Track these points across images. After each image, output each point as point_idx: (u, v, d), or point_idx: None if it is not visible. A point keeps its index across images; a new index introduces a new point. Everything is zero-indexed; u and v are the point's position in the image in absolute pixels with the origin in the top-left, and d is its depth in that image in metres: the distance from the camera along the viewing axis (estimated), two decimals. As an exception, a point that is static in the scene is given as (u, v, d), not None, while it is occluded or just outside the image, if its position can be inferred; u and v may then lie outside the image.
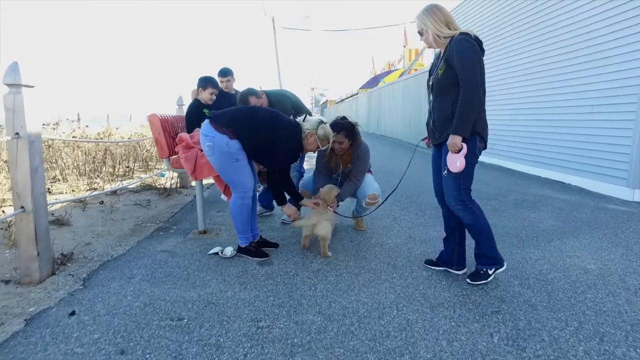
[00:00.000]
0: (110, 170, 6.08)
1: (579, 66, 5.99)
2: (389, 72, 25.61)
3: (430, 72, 2.52)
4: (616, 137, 5.30)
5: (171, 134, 3.41)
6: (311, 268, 2.78)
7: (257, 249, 3.01)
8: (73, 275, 2.60)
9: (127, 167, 6.33)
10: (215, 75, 4.42)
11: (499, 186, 5.88)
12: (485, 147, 2.43)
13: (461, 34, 2.27)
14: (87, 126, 7.08)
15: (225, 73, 4.53)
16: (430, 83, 2.45)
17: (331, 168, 3.43)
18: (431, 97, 2.48)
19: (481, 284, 2.47)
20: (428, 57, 21.90)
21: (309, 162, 5.77)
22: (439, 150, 2.54)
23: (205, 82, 3.66)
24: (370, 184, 3.44)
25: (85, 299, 2.29)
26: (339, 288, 2.47)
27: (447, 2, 10.86)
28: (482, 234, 2.45)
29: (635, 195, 5.06)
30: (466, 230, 2.59)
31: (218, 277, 2.63)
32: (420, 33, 2.41)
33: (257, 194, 3.83)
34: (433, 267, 2.77)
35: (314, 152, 3.06)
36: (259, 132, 2.74)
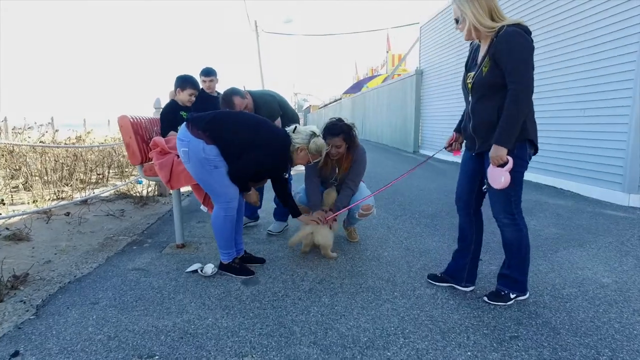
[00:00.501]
0: (82, 177, 5.67)
1: (572, 69, 5.88)
2: (372, 77, 25.57)
3: (467, 67, 2.22)
4: (610, 142, 5.18)
5: (144, 138, 3.07)
6: (302, 287, 2.48)
7: (242, 265, 2.70)
8: (25, 302, 2.24)
9: (99, 174, 5.92)
10: (196, 75, 4.12)
11: (492, 192, 5.69)
12: (536, 153, 2.13)
13: (512, 25, 1.94)
14: (57, 130, 6.62)
15: (208, 72, 4.22)
16: (470, 82, 2.14)
17: (326, 175, 3.15)
18: (470, 98, 2.16)
19: (498, 305, 2.21)
20: (411, 63, 21.95)
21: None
22: (479, 156, 2.24)
23: (184, 82, 3.33)
24: (364, 193, 3.17)
25: (35, 332, 1.94)
26: (335, 311, 2.18)
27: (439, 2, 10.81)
28: (519, 254, 2.19)
29: (631, 200, 4.93)
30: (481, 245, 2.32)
31: (197, 300, 2.31)
32: (457, 20, 2.09)
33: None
34: (437, 283, 2.51)
35: (304, 165, 2.77)
36: (240, 137, 2.45)
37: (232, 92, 3.28)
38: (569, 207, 4.74)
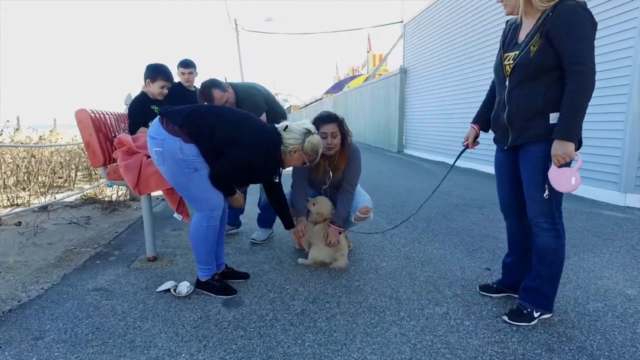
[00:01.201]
0: (43, 180, 5.15)
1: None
2: (353, 77, 25.41)
3: (504, 47, 1.92)
4: (606, 140, 5.01)
5: (108, 135, 2.66)
6: (294, 308, 2.13)
7: (222, 283, 2.33)
8: (-49, 339, 1.82)
9: (60, 177, 5.39)
10: (172, 66, 3.74)
11: (485, 192, 5.47)
12: (580, 147, 1.84)
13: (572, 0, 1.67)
14: (17, 129, 6.06)
15: (187, 64, 3.84)
16: (509, 63, 1.84)
17: (317, 179, 2.80)
18: (507, 82, 1.87)
19: (521, 325, 1.92)
20: (392, 63, 21.79)
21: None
22: (512, 153, 1.97)
23: (155, 72, 2.92)
24: (361, 195, 2.84)
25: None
26: (333, 339, 1.84)
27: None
28: (552, 265, 1.90)
29: (628, 200, 4.78)
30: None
31: (168, 328, 1.93)
32: None
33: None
34: (492, 295, 2.25)
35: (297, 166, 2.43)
36: (222, 135, 2.08)
37: (212, 84, 2.90)
38: (566, 208, 4.52)
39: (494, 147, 2.11)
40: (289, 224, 2.58)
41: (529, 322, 1.91)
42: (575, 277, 2.54)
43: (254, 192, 3.41)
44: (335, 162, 2.70)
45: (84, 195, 4.84)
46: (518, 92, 1.82)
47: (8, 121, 5.84)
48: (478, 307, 2.14)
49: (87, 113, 2.47)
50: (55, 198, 4.50)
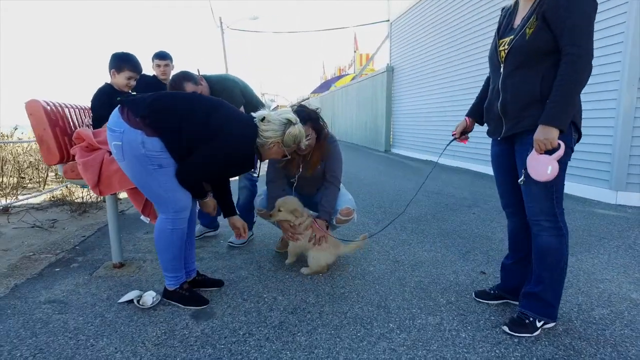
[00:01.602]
0: (9, 181, 4.82)
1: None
2: (340, 77, 25.25)
3: (500, 33, 1.78)
4: (597, 137, 4.90)
5: (67, 130, 2.40)
6: (271, 320, 1.91)
7: (192, 292, 2.09)
8: None
9: (23, 177, 5.06)
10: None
11: (474, 191, 5.32)
12: (579, 139, 1.71)
13: None
14: None
15: (163, 56, 3.59)
16: (504, 49, 1.69)
17: (289, 174, 2.60)
18: (501, 69, 1.72)
19: (523, 337, 1.73)
20: (378, 63, 21.68)
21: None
22: (507, 145, 1.81)
23: (121, 61, 2.66)
24: (343, 195, 2.64)
25: None
26: (314, 356, 1.62)
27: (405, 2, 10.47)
28: (555, 268, 1.72)
29: (619, 198, 4.67)
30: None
31: (126, 347, 1.69)
32: None
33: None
34: (489, 302, 2.06)
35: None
36: (191, 125, 1.84)
37: (183, 77, 2.64)
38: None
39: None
40: (227, 211, 2.25)
41: (532, 333, 1.73)
42: (575, 280, 2.37)
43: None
44: (310, 157, 2.50)
45: (52, 197, 4.53)
46: (513, 80, 1.68)
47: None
48: (474, 316, 1.94)
49: (39, 104, 2.20)
50: (17, 199, 4.18)
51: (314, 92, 27.59)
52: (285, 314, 1.97)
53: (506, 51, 1.68)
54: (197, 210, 3.19)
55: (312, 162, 2.52)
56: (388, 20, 12.23)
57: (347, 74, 25.10)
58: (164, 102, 1.89)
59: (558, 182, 1.63)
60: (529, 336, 1.73)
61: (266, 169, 2.63)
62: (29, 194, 4.61)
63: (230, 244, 3.02)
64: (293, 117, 1.99)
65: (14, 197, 4.21)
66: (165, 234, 1.96)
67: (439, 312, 1.98)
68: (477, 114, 2.01)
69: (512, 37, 1.67)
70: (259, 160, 2.08)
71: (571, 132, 1.62)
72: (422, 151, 9.58)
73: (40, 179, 5.59)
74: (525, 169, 1.62)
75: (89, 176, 2.18)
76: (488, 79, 1.95)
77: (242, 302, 2.11)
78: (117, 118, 1.85)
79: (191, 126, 1.84)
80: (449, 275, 2.46)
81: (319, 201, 2.56)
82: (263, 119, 1.95)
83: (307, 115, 2.39)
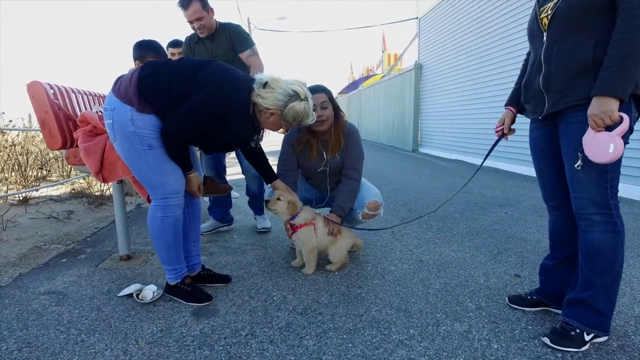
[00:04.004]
0: (34, 172, 4.87)
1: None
2: (367, 77, 24.94)
3: (539, 2, 1.54)
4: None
5: (70, 115, 2.30)
6: (277, 321, 1.73)
7: (194, 288, 1.93)
8: None
9: (41, 168, 5.08)
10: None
11: (505, 190, 4.98)
12: None
13: None
14: (3, 113, 5.79)
15: (177, 44, 3.51)
16: (548, 14, 1.45)
17: (311, 164, 2.40)
18: (544, 38, 1.48)
19: (569, 352, 1.47)
20: (407, 63, 21.22)
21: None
22: (549, 127, 1.58)
23: (143, 50, 2.47)
24: (369, 189, 2.42)
25: None
26: (323, 363, 1.43)
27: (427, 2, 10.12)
28: (609, 270, 1.46)
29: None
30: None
31: (117, 344, 1.54)
32: None
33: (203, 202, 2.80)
34: (526, 309, 1.81)
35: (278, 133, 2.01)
36: (179, 81, 1.68)
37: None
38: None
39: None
40: (270, 178, 2.18)
41: (579, 348, 1.47)
42: (629, 288, 2.07)
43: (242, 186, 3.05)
44: (331, 140, 2.31)
45: (72, 189, 4.53)
46: (560, 47, 1.42)
47: (3, 113, 5.60)
48: (508, 324, 1.70)
49: (41, 86, 2.11)
50: (37, 191, 4.19)
51: (341, 92, 27.36)
52: (294, 315, 1.78)
53: (550, 16, 1.43)
54: (210, 205, 3.08)
55: (333, 146, 2.32)
56: (417, 18, 11.89)
57: (375, 74, 24.76)
58: (154, 67, 1.73)
59: (614, 168, 1.37)
60: (575, 351, 1.47)
61: (277, 162, 2.45)
62: (50, 185, 4.63)
63: (265, 229, 3.10)
64: (304, 92, 1.76)
65: (34, 189, 4.21)
66: (156, 222, 1.81)
67: (466, 319, 1.74)
68: (519, 101, 1.74)
69: (555, 1, 1.43)
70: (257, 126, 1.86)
71: (631, 107, 1.35)
72: (451, 150, 9.20)
73: (65, 173, 5.65)
74: (582, 150, 1.37)
75: (91, 162, 2.07)
76: (525, 62, 1.72)
77: (249, 300, 1.94)
78: (109, 95, 1.74)
79: (179, 84, 1.67)
80: (478, 277, 2.21)
81: (335, 195, 2.37)
82: (266, 85, 1.72)
83: (322, 86, 2.24)
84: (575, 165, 1.40)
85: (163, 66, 1.73)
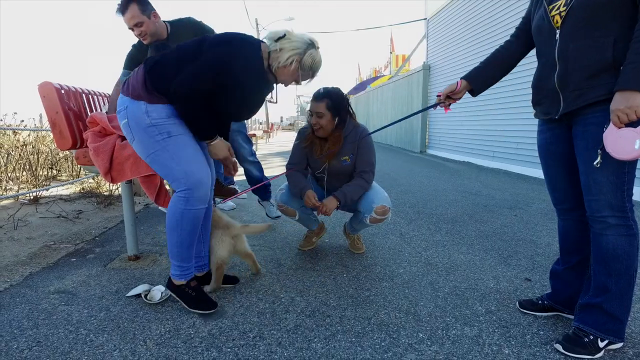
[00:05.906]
0: (44, 172, 4.92)
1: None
2: (375, 78, 24.90)
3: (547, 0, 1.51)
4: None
5: (81, 115, 2.32)
6: (285, 323, 1.72)
7: (199, 293, 1.86)
8: None
9: (51, 168, 5.12)
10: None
11: (515, 193, 4.93)
12: None
13: None
14: (15, 113, 5.84)
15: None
16: (562, 10, 1.42)
17: (315, 159, 2.40)
18: (557, 36, 1.45)
19: (582, 359, 1.44)
20: (415, 64, 21.17)
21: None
22: (561, 129, 1.56)
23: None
24: (378, 192, 2.41)
25: None
26: (331, 367, 1.42)
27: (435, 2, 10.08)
28: (623, 275, 1.43)
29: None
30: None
31: (126, 344, 1.55)
32: None
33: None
34: (537, 313, 1.78)
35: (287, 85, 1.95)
36: (185, 58, 1.68)
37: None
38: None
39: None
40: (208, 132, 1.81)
41: (593, 355, 1.44)
42: (641, 292, 2.03)
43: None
44: (327, 145, 2.31)
45: (82, 189, 4.57)
46: (576, 45, 1.38)
47: (15, 113, 5.67)
48: (519, 329, 1.67)
49: (52, 86, 2.13)
50: (47, 189, 4.23)
51: (349, 93, 27.38)
52: (302, 317, 1.77)
53: (563, 14, 1.40)
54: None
55: (329, 145, 2.31)
56: (425, 19, 11.85)
57: (383, 75, 24.71)
58: (155, 57, 1.74)
59: (631, 170, 1.34)
60: (589, 358, 1.44)
61: (290, 157, 2.45)
62: (60, 185, 4.68)
63: (278, 216, 3.22)
64: (317, 42, 1.80)
65: (45, 188, 4.25)
66: (176, 212, 1.75)
67: (477, 323, 1.72)
68: (477, 78, 1.78)
69: None
70: (274, 85, 1.88)
71: None
72: (460, 152, 9.14)
73: (75, 173, 5.70)
74: (602, 147, 1.33)
75: (100, 162, 2.08)
76: (506, 45, 1.76)
77: (257, 301, 1.93)
78: (120, 98, 1.75)
79: (187, 61, 1.66)
80: (488, 281, 2.18)
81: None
82: (283, 36, 1.73)
83: (324, 92, 2.22)
84: (595, 163, 1.36)
85: (165, 54, 1.74)
